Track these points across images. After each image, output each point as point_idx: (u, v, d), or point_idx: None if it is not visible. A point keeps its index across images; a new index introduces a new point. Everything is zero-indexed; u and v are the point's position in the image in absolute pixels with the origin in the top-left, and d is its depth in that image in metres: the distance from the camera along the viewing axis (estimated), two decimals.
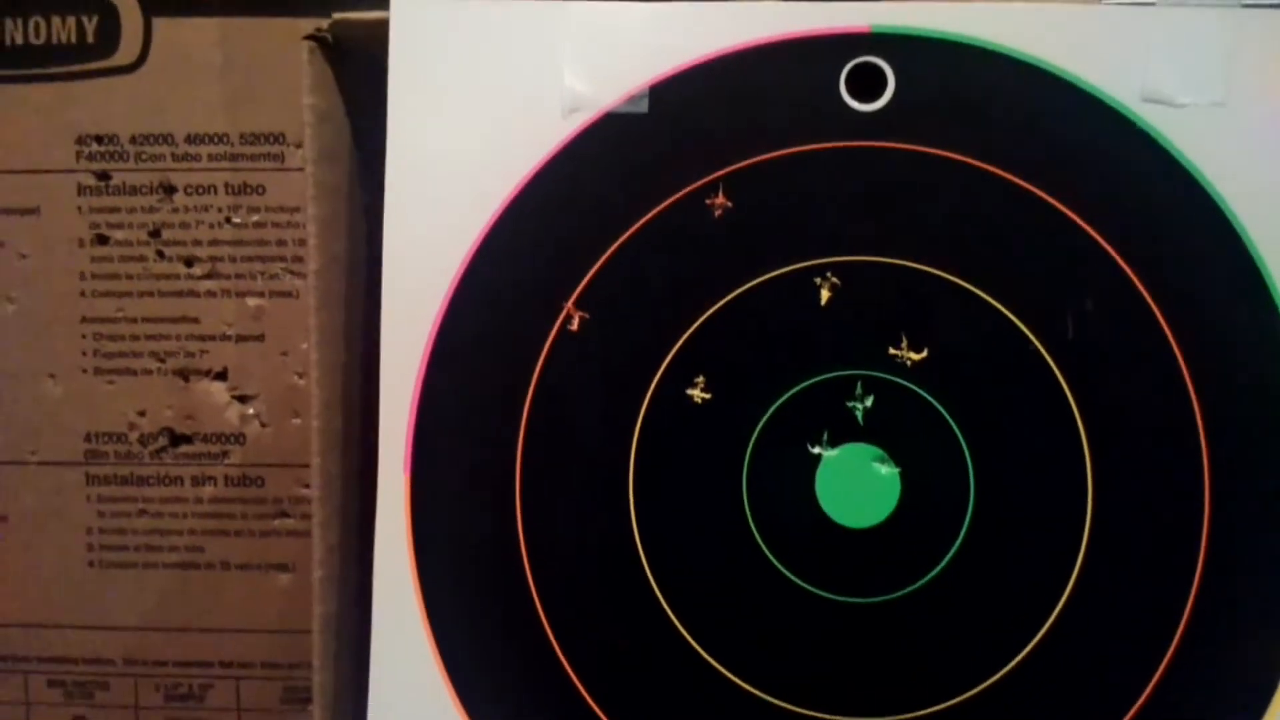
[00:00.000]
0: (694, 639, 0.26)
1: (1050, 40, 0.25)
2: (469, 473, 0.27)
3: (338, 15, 0.26)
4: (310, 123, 0.26)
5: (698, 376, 0.26)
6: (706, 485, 0.26)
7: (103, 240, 0.37)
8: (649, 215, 0.26)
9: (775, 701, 0.26)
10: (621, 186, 0.26)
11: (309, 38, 0.26)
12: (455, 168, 0.26)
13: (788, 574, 0.26)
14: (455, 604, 0.26)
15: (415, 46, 0.26)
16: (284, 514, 0.37)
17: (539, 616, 0.26)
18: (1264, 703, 0.25)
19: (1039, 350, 0.25)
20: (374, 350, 0.26)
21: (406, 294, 0.26)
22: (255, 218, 0.36)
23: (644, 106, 0.26)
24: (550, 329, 0.26)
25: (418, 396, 0.26)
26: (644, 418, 0.26)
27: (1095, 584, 0.25)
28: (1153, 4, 0.25)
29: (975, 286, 0.26)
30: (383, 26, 0.26)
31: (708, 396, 0.26)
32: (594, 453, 0.26)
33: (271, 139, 0.36)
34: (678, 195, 0.26)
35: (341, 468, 0.28)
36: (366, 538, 0.27)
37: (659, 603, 0.26)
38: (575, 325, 0.27)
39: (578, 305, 0.27)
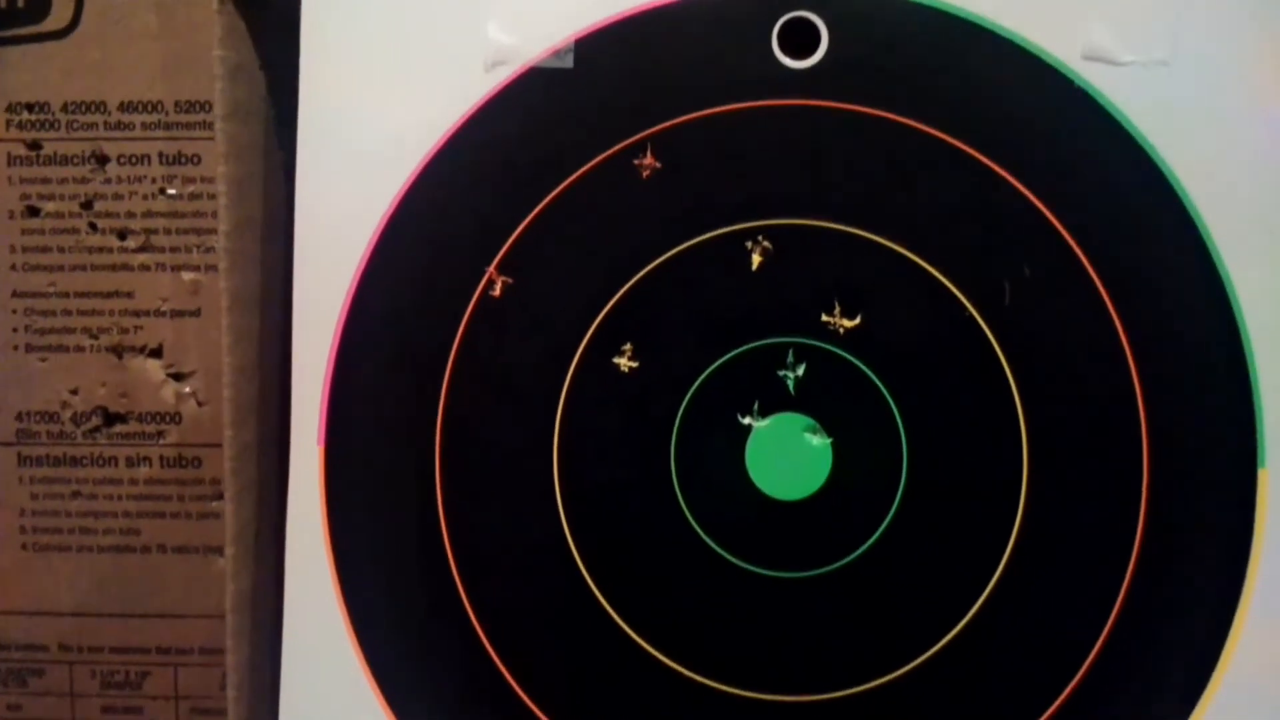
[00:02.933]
0: (620, 617, 0.26)
1: None
2: (387, 445, 0.26)
3: None
4: (220, 75, 0.25)
5: (625, 344, 0.26)
6: (634, 457, 0.26)
7: (33, 212, 0.36)
8: (574, 176, 0.25)
9: (702, 680, 0.26)
10: (546, 145, 0.25)
11: None
12: (371, 124, 0.25)
13: (717, 548, 0.26)
14: (372, 580, 0.26)
15: None
16: (221, 495, 0.36)
17: (458, 592, 0.26)
18: (1206, 674, 0.24)
19: (974, 317, 0.25)
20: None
21: (320, 257, 0.25)
22: (190, 189, 0.35)
23: (569, 61, 0.25)
24: (472, 294, 0.26)
25: (332, 365, 0.26)
26: (569, 387, 0.26)
27: (1029, 558, 0.25)
28: None
29: (910, 251, 0.25)
30: None
31: (635, 365, 0.26)
32: (517, 423, 0.26)
33: (207, 107, 0.35)
34: (604, 155, 0.25)
35: (258, 439, 0.27)
36: (285, 513, 0.26)
37: (584, 579, 0.26)
38: (497, 290, 0.26)
39: (500, 270, 0.26)
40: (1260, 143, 0.25)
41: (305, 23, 0.26)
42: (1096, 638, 0.25)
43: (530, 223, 0.26)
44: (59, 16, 0.35)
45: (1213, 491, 0.25)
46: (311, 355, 0.26)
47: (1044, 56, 0.25)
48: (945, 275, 0.25)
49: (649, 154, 0.26)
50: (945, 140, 0.25)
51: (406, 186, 0.26)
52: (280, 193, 0.27)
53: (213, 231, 0.35)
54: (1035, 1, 0.25)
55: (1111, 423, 0.25)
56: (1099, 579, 0.25)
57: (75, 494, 0.36)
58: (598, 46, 0.25)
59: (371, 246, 0.26)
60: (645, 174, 0.25)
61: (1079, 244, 0.25)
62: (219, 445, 0.35)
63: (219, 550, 0.35)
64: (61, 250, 0.36)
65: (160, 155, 0.35)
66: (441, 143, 0.25)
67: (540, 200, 0.26)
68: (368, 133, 0.26)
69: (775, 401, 0.26)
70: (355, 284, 0.26)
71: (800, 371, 0.25)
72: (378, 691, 0.26)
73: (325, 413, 0.26)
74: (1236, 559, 0.25)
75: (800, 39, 0.25)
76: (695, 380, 0.25)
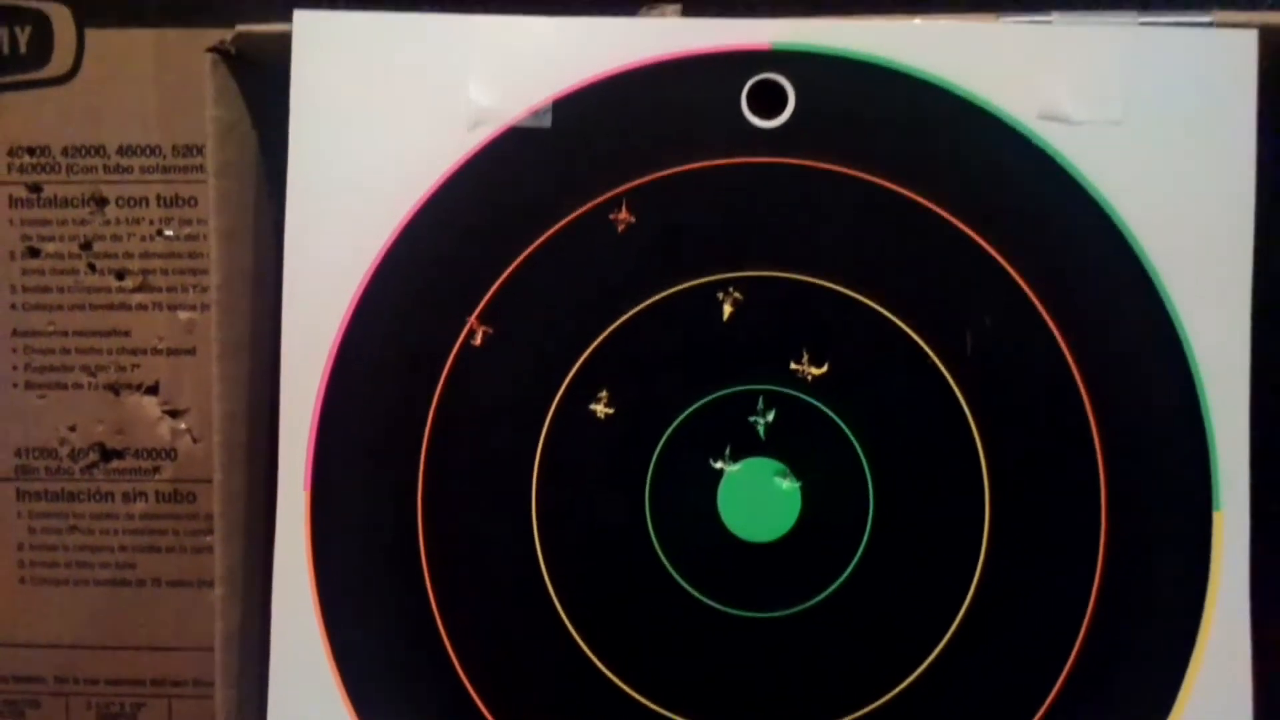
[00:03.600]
0: (595, 655, 0.26)
1: (949, 58, 0.26)
2: (370, 490, 0.26)
3: (241, 28, 0.26)
4: (213, 134, 0.26)
5: (601, 391, 0.26)
6: (609, 500, 0.26)
7: (34, 253, 0.37)
8: (553, 230, 0.26)
9: (675, 716, 0.26)
10: (525, 201, 0.26)
11: (212, 50, 0.26)
12: (358, 181, 0.26)
13: (689, 589, 0.26)
14: (355, 622, 0.26)
15: (317, 59, 0.26)
16: None
17: (440, 635, 0.26)
18: (1163, 713, 0.25)
19: (937, 366, 0.26)
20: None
21: (307, 308, 0.26)
22: (187, 230, 0.36)
23: (547, 121, 0.26)
24: (453, 343, 0.26)
25: (318, 413, 0.26)
26: (547, 432, 0.26)
27: (994, 596, 0.25)
28: (1050, 22, 0.26)
29: (875, 302, 0.26)
30: (287, 39, 0.26)
31: (610, 411, 0.26)
32: (497, 468, 0.26)
33: (204, 151, 0.36)
34: (581, 210, 0.26)
35: (247, 483, 0.28)
36: (272, 554, 0.27)
37: (560, 618, 0.26)
38: (479, 340, 0.26)
39: (481, 320, 0.26)
40: (1212, 197, 0.25)
41: (295, 83, 0.26)
42: (1059, 673, 0.25)
43: (510, 274, 0.26)
44: (60, 63, 0.36)
45: (1170, 533, 0.25)
46: (298, 402, 0.26)
47: (1002, 116, 0.26)
48: (909, 325, 0.26)
49: (624, 209, 0.26)
50: (908, 196, 0.26)
51: (391, 240, 0.26)
52: (270, 245, 0.28)
53: (209, 272, 0.35)
54: (993, 64, 0.26)
55: (1070, 466, 0.25)
56: (1060, 616, 0.25)
57: (73, 528, 0.37)
58: (575, 107, 0.26)
59: (357, 297, 0.26)
60: (621, 228, 0.26)
61: (1037, 295, 0.26)
62: (213, 481, 0.36)
63: (213, 584, 0.36)
64: (61, 290, 0.36)
65: (158, 198, 0.36)
66: (425, 198, 0.26)
67: (520, 253, 0.26)
68: (354, 188, 0.26)
69: (746, 446, 0.26)
70: (341, 333, 0.26)
71: (770, 417, 0.26)
72: None
73: (311, 458, 0.26)
74: (1194, 599, 0.25)
75: (769, 99, 0.26)
76: (669, 426, 0.26)
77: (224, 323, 0.26)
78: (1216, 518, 0.25)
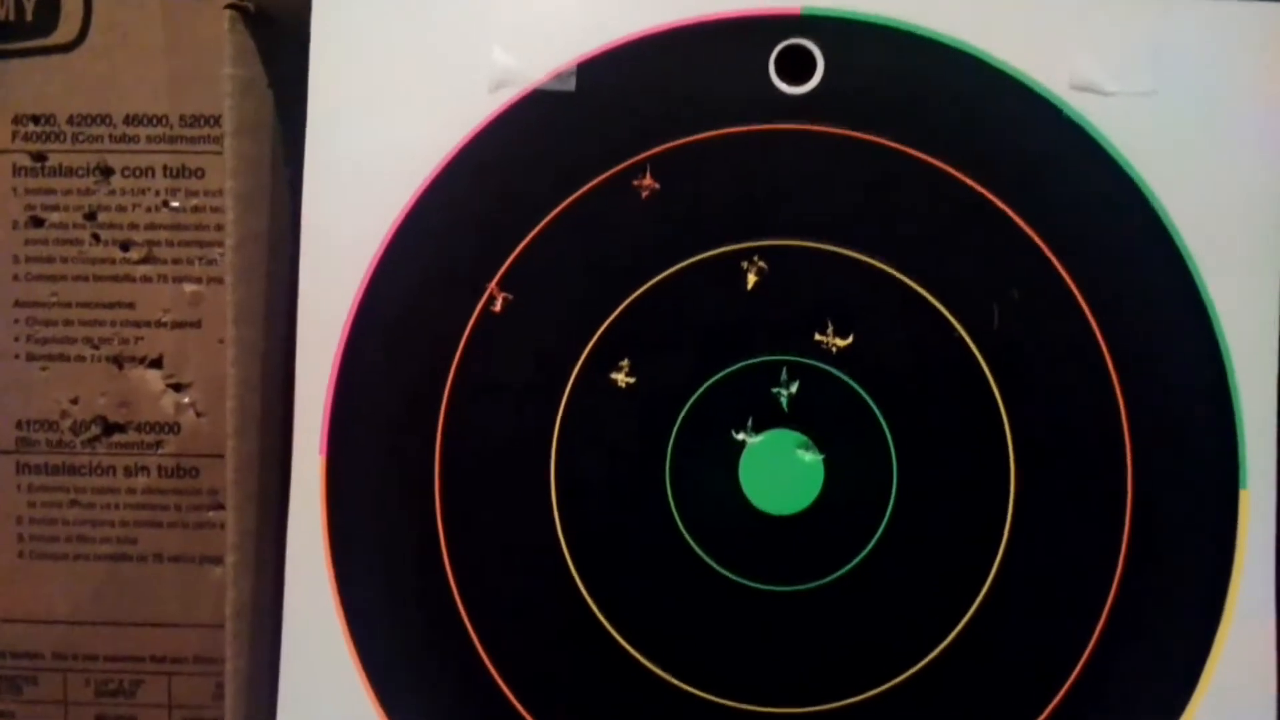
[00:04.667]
0: (614, 628, 0.26)
1: (980, 26, 0.25)
2: (387, 457, 0.26)
3: None
4: (230, 93, 0.25)
5: (622, 360, 0.26)
6: (629, 471, 0.26)
7: (38, 223, 0.36)
8: (575, 196, 0.26)
9: (695, 691, 0.26)
10: (547, 166, 0.26)
11: (230, 6, 0.26)
12: (377, 142, 0.26)
13: (710, 561, 0.26)
14: (370, 591, 0.26)
15: (338, 17, 0.25)
16: (219, 506, 0.36)
17: (456, 604, 0.26)
18: (1187, 691, 0.25)
19: (964, 339, 0.25)
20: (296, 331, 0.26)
21: (325, 272, 0.26)
22: (194, 202, 0.36)
23: (571, 85, 0.26)
24: (473, 310, 0.26)
25: (335, 378, 0.26)
26: (567, 402, 0.26)
27: (1018, 572, 0.25)
28: None
29: (901, 273, 0.26)
30: None
31: (632, 381, 0.26)
32: (515, 436, 0.26)
33: (212, 121, 0.35)
34: (604, 176, 0.26)
35: (260, 450, 0.27)
36: (286, 523, 0.26)
37: (579, 591, 0.26)
38: (498, 306, 0.26)
39: (501, 286, 0.26)
40: (1244, 171, 0.25)
41: (314, 42, 0.26)
42: (1083, 650, 0.25)
43: (531, 241, 0.26)
44: (66, 30, 0.35)
45: (1196, 512, 0.25)
46: (315, 367, 0.26)
47: (1033, 86, 0.25)
48: (936, 297, 0.25)
49: (648, 175, 0.26)
50: (937, 165, 0.26)
51: (411, 203, 0.26)
52: (286, 208, 0.27)
53: (215, 244, 0.35)
54: (1025, 32, 0.25)
55: (1097, 443, 0.25)
56: (1085, 593, 0.25)
57: (73, 502, 0.36)
58: (599, 70, 0.26)
59: (376, 261, 0.26)
60: (644, 195, 0.26)
61: (1066, 269, 0.25)
62: (217, 456, 0.36)
63: (215, 560, 0.35)
64: (64, 260, 0.36)
65: (164, 168, 0.36)
66: (446, 161, 0.26)
67: (541, 219, 0.26)
68: (374, 150, 0.26)
69: (769, 418, 0.26)
70: (359, 298, 0.26)
71: (793, 389, 0.26)
72: (375, 700, 0.26)
73: (327, 423, 0.26)
74: (1219, 578, 0.25)
75: (797, 65, 0.26)
76: (691, 396, 0.26)
77: (239, 287, 0.26)
78: (1243, 496, 0.25)
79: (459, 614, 0.26)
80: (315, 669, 0.26)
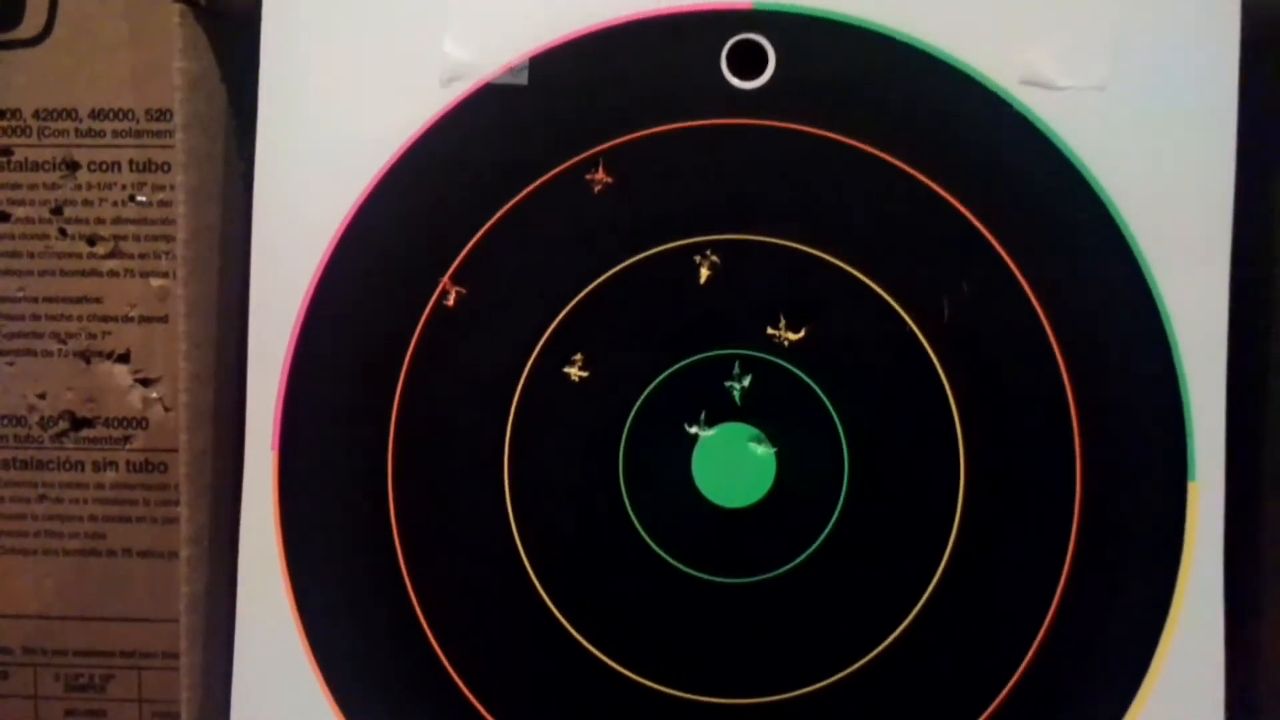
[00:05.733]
0: (568, 621, 0.26)
1: (931, 21, 0.25)
2: (340, 450, 0.26)
3: None
4: (180, 87, 0.25)
5: (575, 354, 0.26)
6: (583, 464, 0.26)
7: (3, 218, 0.36)
8: (528, 189, 0.26)
9: (649, 683, 0.26)
10: (500, 160, 0.26)
11: (179, 0, 0.26)
12: (329, 136, 0.26)
13: (663, 554, 0.26)
14: (324, 585, 0.26)
15: (289, 12, 0.25)
16: None
17: (409, 596, 0.26)
18: (1136, 684, 0.25)
19: (914, 332, 0.25)
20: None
21: (277, 266, 0.26)
22: (160, 196, 0.35)
23: (524, 78, 0.26)
24: (426, 304, 0.26)
25: (287, 372, 0.26)
26: (520, 395, 0.26)
27: (968, 563, 0.25)
28: None
29: (852, 267, 0.26)
30: None
31: (585, 374, 0.26)
32: (469, 430, 0.26)
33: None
34: (557, 170, 0.26)
35: (214, 445, 0.27)
36: (240, 516, 0.26)
37: (533, 584, 0.26)
38: (451, 300, 0.26)
39: (454, 280, 0.26)
40: (1193, 165, 0.25)
41: (265, 36, 0.26)
42: (1032, 642, 0.25)
43: (484, 234, 0.26)
44: (32, 24, 0.35)
45: (1145, 504, 0.25)
46: (267, 362, 0.26)
47: (983, 81, 0.25)
48: (887, 291, 0.26)
49: (601, 169, 0.26)
50: (887, 160, 0.26)
51: (363, 198, 0.26)
52: (239, 202, 0.27)
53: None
54: (976, 28, 0.25)
55: (1045, 433, 0.25)
56: (1034, 585, 0.25)
57: (41, 497, 0.36)
58: (552, 64, 0.26)
59: (328, 256, 0.26)
60: (597, 189, 0.26)
61: (1015, 262, 0.25)
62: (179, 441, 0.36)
63: None
64: (31, 255, 0.36)
65: (130, 163, 0.35)
66: (398, 155, 0.26)
67: (494, 213, 0.26)
68: (326, 144, 0.26)
69: (721, 411, 0.26)
70: (311, 292, 0.26)
71: (746, 382, 0.26)
72: (328, 693, 0.26)
73: (280, 418, 0.26)
74: (1168, 569, 0.25)
75: (749, 60, 0.26)
76: (644, 390, 0.26)
77: (191, 281, 0.26)
78: (1192, 488, 0.25)
79: (412, 607, 0.26)
80: (269, 662, 0.26)
